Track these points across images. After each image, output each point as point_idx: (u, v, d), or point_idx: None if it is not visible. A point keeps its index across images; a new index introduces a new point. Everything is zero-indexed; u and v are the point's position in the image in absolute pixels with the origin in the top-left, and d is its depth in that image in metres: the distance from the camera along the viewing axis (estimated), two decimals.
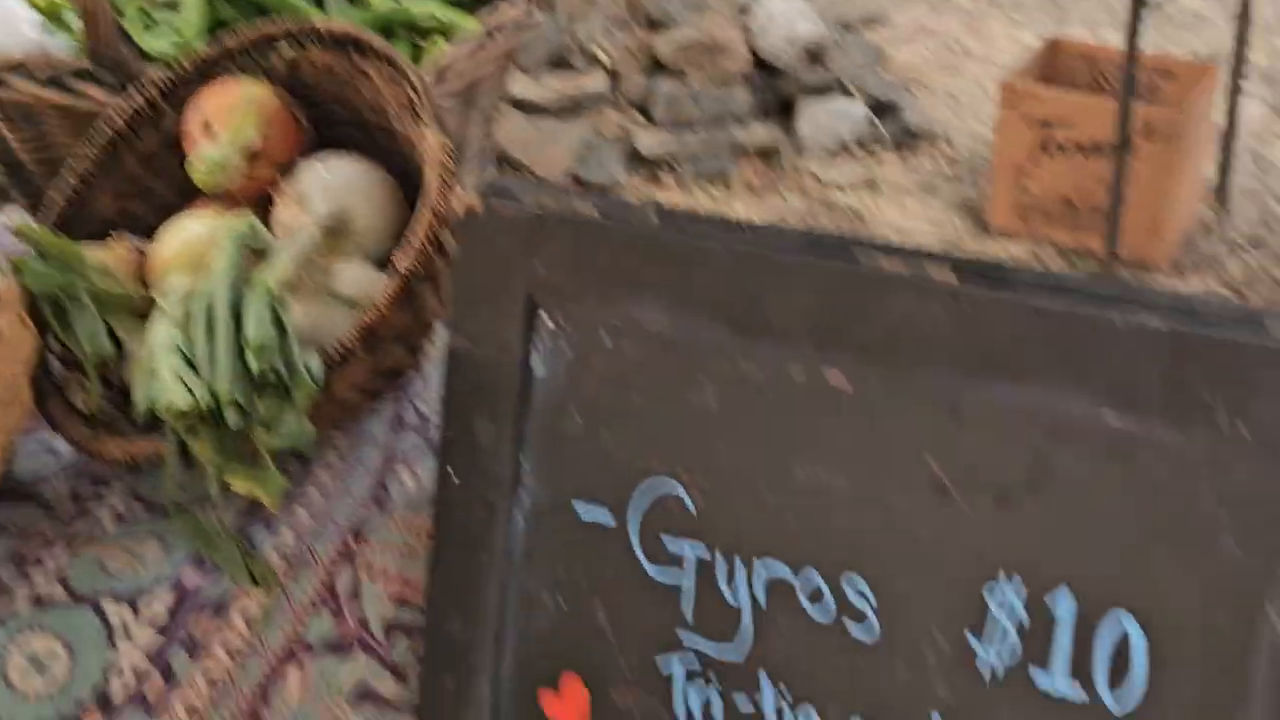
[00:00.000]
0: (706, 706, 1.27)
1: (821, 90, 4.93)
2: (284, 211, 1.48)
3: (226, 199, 1.55)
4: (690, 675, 1.27)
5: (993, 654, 1.16)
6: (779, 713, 1.24)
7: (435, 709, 1.37)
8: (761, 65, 4.88)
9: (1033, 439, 1.12)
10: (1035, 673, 1.14)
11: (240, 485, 1.32)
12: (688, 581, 1.26)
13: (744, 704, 1.25)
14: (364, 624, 1.40)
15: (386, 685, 1.43)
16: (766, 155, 4.82)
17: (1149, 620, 1.10)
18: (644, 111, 4.85)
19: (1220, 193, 4.29)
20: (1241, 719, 1.07)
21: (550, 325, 1.27)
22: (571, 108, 4.72)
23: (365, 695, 1.42)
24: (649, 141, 4.76)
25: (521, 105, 4.57)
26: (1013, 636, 1.15)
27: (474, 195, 1.25)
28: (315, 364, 1.29)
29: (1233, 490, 1.06)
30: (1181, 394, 1.06)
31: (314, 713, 1.41)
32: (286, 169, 1.51)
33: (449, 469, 1.32)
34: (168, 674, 1.34)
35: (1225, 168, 4.29)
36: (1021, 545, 1.14)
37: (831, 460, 1.19)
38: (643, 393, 1.25)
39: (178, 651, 1.34)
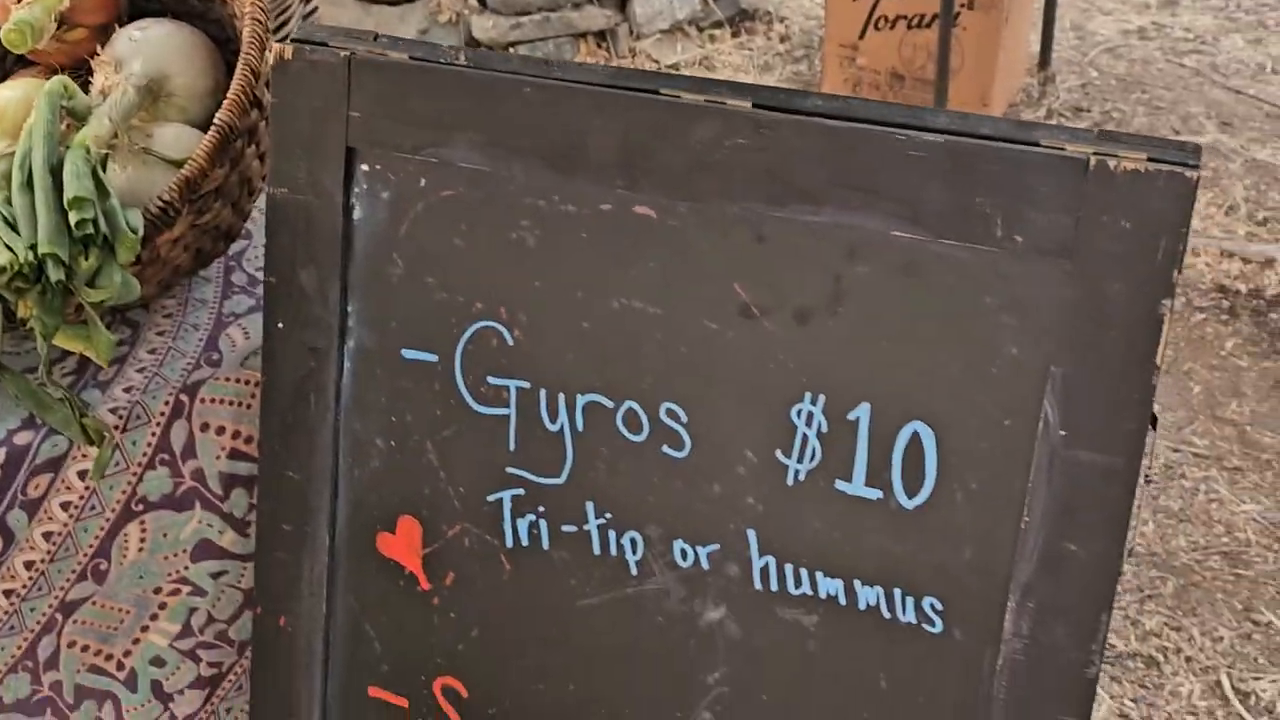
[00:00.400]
0: (535, 533, 1.32)
1: None
2: (102, 76, 1.48)
3: (45, 67, 1.55)
4: (518, 505, 1.33)
5: (798, 468, 1.23)
6: (603, 535, 1.30)
7: (273, 555, 1.41)
8: None
9: (830, 260, 1.18)
10: (838, 482, 1.21)
11: (69, 343, 1.33)
12: (512, 416, 1.31)
13: (570, 529, 1.31)
14: (200, 478, 1.43)
15: (227, 537, 1.46)
16: (602, 38, 4.83)
17: (939, 424, 1.18)
18: None
19: (1043, 63, 4.41)
20: (1022, 505, 1.15)
21: (368, 170, 1.30)
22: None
23: (205, 548, 1.46)
24: (485, 26, 4.74)
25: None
26: (817, 450, 1.22)
27: (288, 46, 1.27)
28: (136, 219, 1.30)
29: (1012, 297, 1.14)
30: (962, 207, 1.13)
31: (155, 567, 1.44)
32: (104, 36, 1.51)
33: (275, 318, 1.35)
34: (6, 533, 1.36)
35: (1047, 39, 4.40)
36: (824, 364, 1.20)
37: (644, 291, 1.25)
38: (461, 233, 1.29)
39: (15, 511, 1.36)
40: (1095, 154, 1.09)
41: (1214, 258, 3.40)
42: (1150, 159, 1.09)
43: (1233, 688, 2.32)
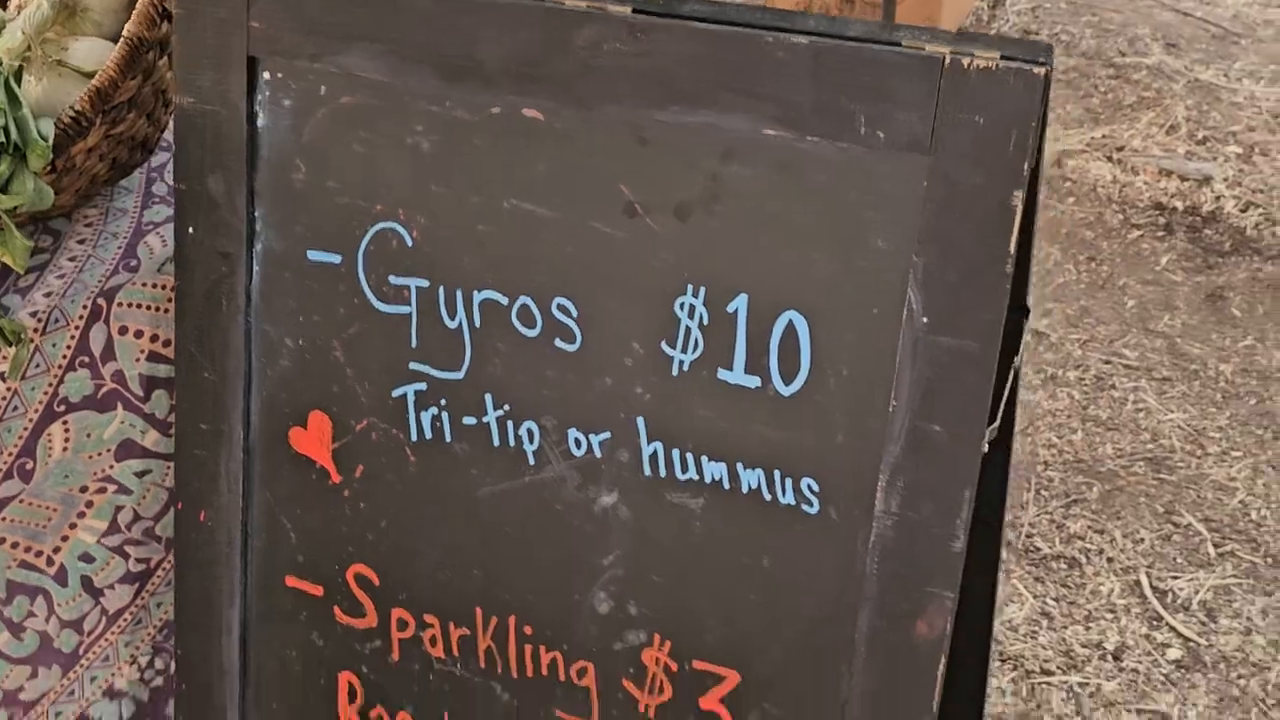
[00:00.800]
0: (438, 426, 1.39)
1: None
2: None
3: None
4: (421, 400, 1.39)
5: (683, 358, 1.29)
6: (502, 427, 1.37)
7: (192, 454, 1.47)
8: None
9: (708, 159, 1.24)
10: (719, 371, 1.28)
11: None
12: (413, 314, 1.37)
13: (470, 421, 1.37)
14: (121, 380, 1.49)
15: (149, 437, 1.52)
16: None
17: (812, 314, 1.24)
18: None
19: None
20: (889, 390, 1.22)
21: (270, 79, 1.35)
22: None
23: (128, 447, 1.52)
24: None
25: None
26: (699, 341, 1.28)
27: None
28: (47, 128, 1.35)
29: (876, 191, 1.20)
30: (828, 107, 1.18)
31: (80, 466, 1.50)
32: None
33: (186, 224, 1.40)
34: None
35: None
36: (704, 258, 1.26)
37: (534, 192, 1.30)
38: (360, 139, 1.34)
39: None
40: (951, 53, 1.15)
41: (1152, 176, 3.46)
42: (1003, 57, 1.14)
43: (1151, 586, 2.40)
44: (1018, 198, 1.16)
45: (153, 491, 1.54)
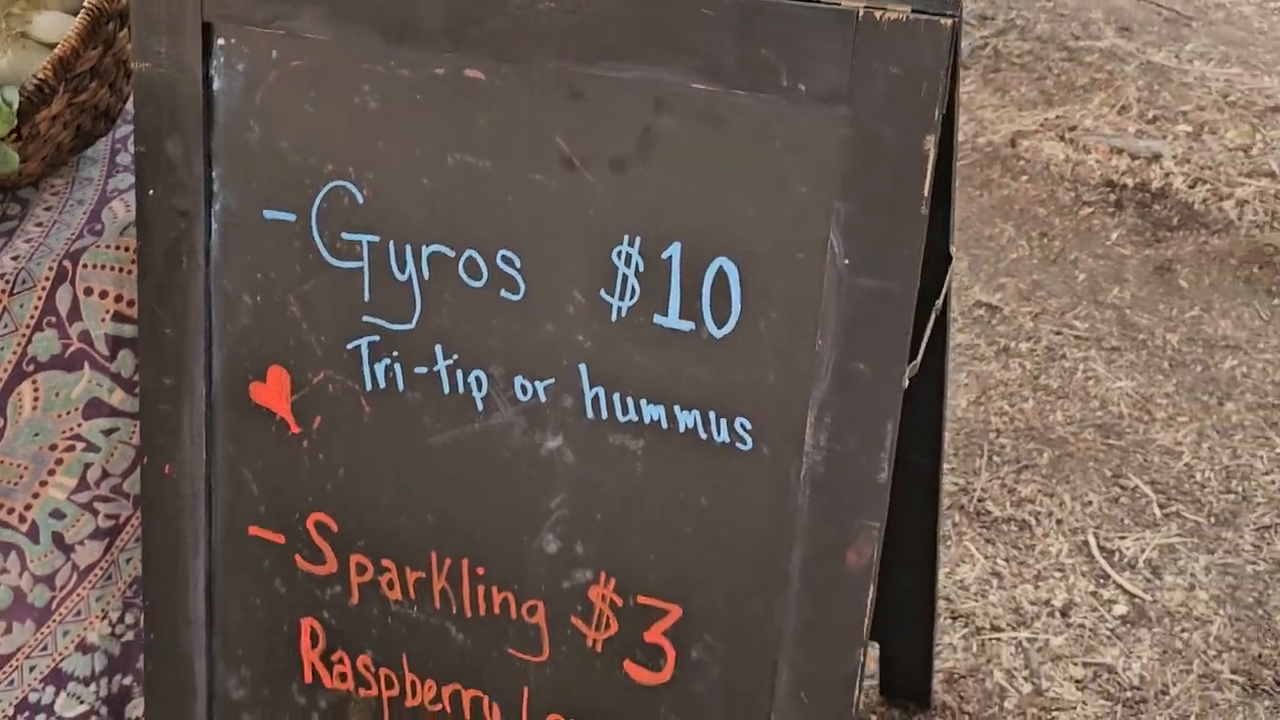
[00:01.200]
0: (391, 376, 1.45)
1: None
2: None
3: None
4: (374, 351, 1.45)
5: (621, 305, 1.36)
6: (451, 375, 1.43)
7: (156, 409, 1.53)
8: None
9: (639, 112, 1.31)
10: (655, 316, 1.34)
11: None
12: (365, 268, 1.43)
13: (421, 370, 1.44)
14: (87, 339, 1.55)
15: (116, 396, 1.58)
16: None
17: (742, 259, 1.31)
18: None
19: None
20: (815, 330, 1.28)
21: (224, 44, 1.41)
22: None
23: (96, 406, 1.58)
24: None
25: None
26: (636, 288, 1.35)
27: None
28: (12, 95, 1.41)
29: (798, 141, 1.27)
30: (751, 60, 1.25)
31: (49, 424, 1.56)
32: None
33: (146, 186, 1.46)
34: None
35: None
36: (638, 208, 1.33)
37: (477, 148, 1.37)
38: (310, 100, 1.41)
39: None
40: (865, 7, 1.22)
41: (1104, 154, 3.54)
42: (913, 10, 1.21)
43: (1099, 546, 2.47)
44: (930, 142, 1.22)
45: (120, 449, 1.60)
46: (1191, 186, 3.40)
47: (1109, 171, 3.48)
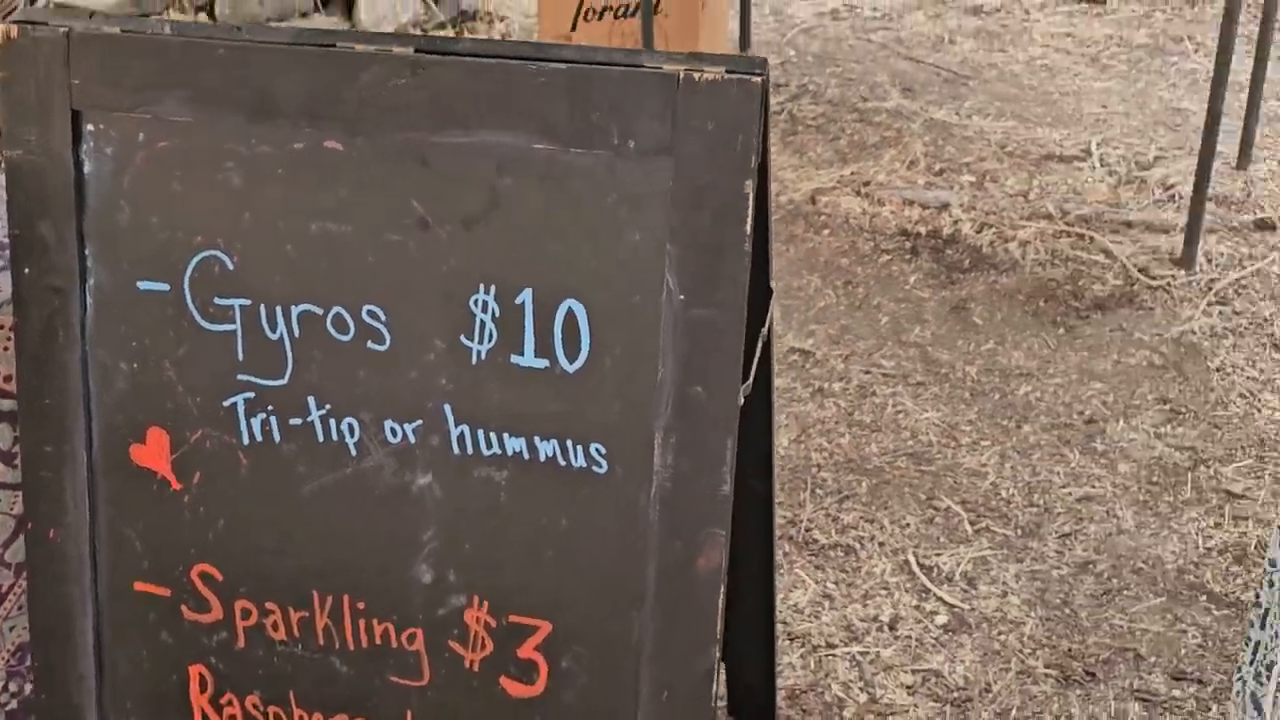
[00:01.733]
0: (267, 430, 1.56)
1: None
2: None
3: None
4: (250, 407, 1.56)
5: (480, 348, 1.49)
6: (325, 425, 1.55)
7: (38, 476, 1.61)
8: None
9: (485, 174, 1.45)
10: (512, 356, 1.48)
11: None
12: (238, 330, 1.54)
13: (296, 422, 1.55)
14: None
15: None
16: None
17: (588, 300, 1.46)
18: (208, 11, 4.98)
19: (744, 45, 4.78)
20: (657, 360, 1.43)
21: (93, 129, 1.52)
22: (135, 10, 4.82)
23: None
24: None
25: (82, 13, 4.59)
26: (493, 332, 1.48)
27: (12, 26, 1.49)
28: None
29: (631, 192, 1.42)
30: (584, 122, 1.41)
31: None
32: None
33: (22, 266, 1.56)
34: None
35: (745, 23, 4.78)
36: (491, 259, 1.47)
37: (338, 214, 1.49)
38: (177, 178, 1.52)
39: None
40: (683, 70, 1.38)
41: (897, 206, 3.78)
42: (727, 71, 1.38)
43: (918, 564, 2.66)
44: (749, 187, 1.39)
45: (1, 520, 1.67)
46: (979, 231, 3.66)
47: (903, 221, 3.72)
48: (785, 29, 4.96)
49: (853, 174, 3.97)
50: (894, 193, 3.85)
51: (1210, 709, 2.33)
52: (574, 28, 4.47)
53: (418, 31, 5.12)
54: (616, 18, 4.38)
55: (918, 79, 4.50)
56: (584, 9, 4.43)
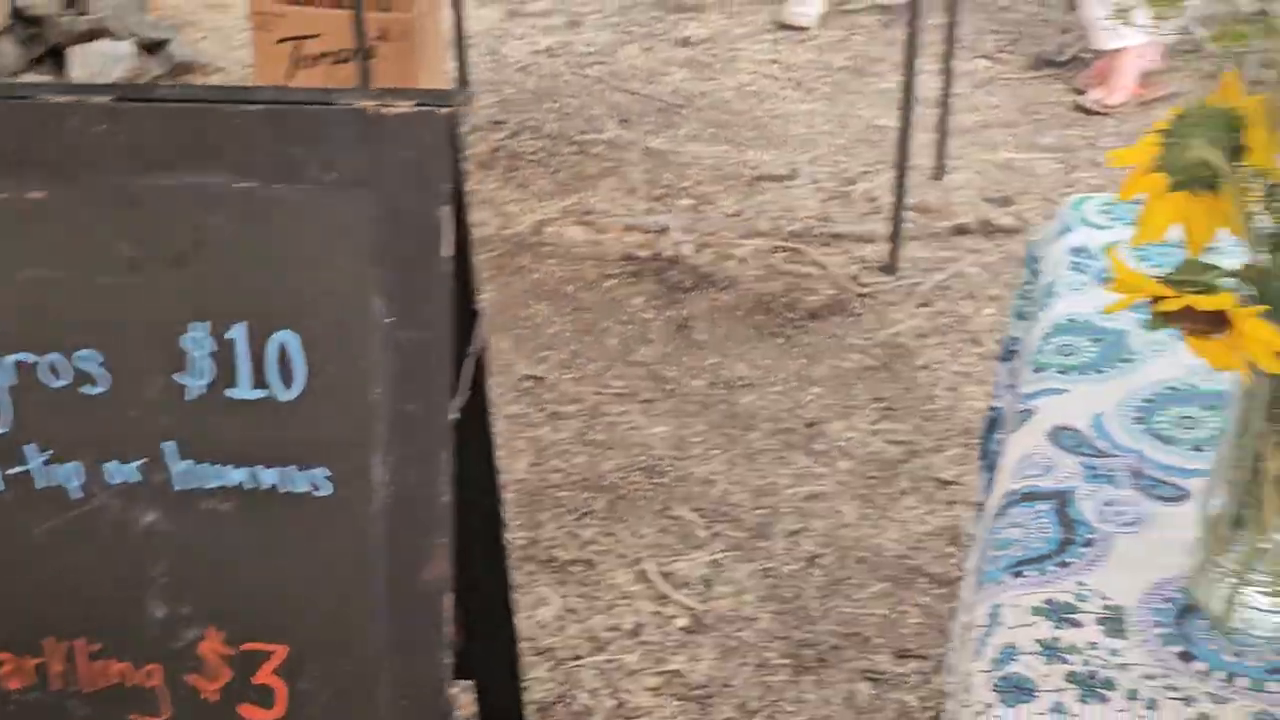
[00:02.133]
0: None
1: (90, 35, 5.09)
2: None
3: None
4: None
5: (196, 384, 1.53)
6: (47, 472, 1.56)
7: None
8: (21, 16, 4.97)
9: (190, 213, 1.50)
10: (228, 390, 1.53)
11: None
12: None
13: (15, 470, 1.56)
14: None
15: None
16: None
17: (300, 330, 1.51)
18: None
19: (462, 84, 4.87)
20: (371, 382, 1.50)
21: None
22: None
23: None
24: None
25: None
26: (208, 368, 1.53)
27: None
28: None
29: (334, 223, 1.49)
30: (284, 158, 1.47)
31: None
32: None
33: None
34: None
35: (463, 63, 4.86)
36: (200, 297, 1.52)
37: (47, 261, 1.52)
38: None
39: None
40: (376, 105, 1.46)
41: (619, 232, 3.91)
42: (417, 104, 1.46)
43: (658, 571, 2.77)
44: (445, 212, 1.47)
45: None
46: (698, 251, 3.82)
47: (626, 247, 3.85)
48: (501, 68, 5.06)
49: (575, 204, 4.08)
50: (615, 220, 3.98)
51: (931, 681, 2.50)
52: (291, 76, 4.48)
53: None
54: (334, 64, 4.41)
55: (633, 110, 4.65)
56: (299, 57, 4.45)
